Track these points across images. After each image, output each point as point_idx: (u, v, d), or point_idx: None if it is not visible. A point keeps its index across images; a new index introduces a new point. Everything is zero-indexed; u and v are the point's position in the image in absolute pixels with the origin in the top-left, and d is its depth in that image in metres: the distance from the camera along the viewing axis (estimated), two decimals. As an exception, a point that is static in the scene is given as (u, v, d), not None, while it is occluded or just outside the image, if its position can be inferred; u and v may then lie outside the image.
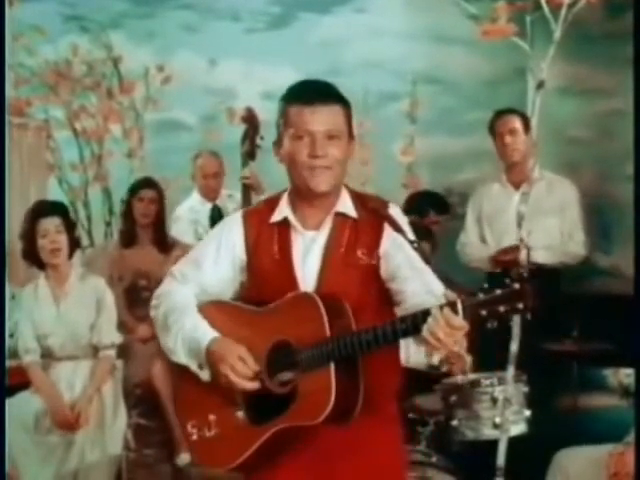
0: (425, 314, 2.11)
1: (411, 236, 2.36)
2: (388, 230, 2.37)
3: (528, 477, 3.66)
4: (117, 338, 4.36)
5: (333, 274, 2.37)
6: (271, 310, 2.38)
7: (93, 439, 4.15)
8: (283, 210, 2.45)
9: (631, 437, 3.21)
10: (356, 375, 2.27)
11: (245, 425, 2.38)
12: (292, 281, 2.39)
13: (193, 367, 2.42)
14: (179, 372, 2.48)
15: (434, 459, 3.81)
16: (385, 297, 2.40)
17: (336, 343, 2.23)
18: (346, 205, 2.43)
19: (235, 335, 2.39)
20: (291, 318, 2.32)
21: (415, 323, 2.13)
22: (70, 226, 4.32)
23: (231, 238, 2.49)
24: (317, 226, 2.43)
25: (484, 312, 2.06)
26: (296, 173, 2.38)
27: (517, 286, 2.05)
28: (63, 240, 4.25)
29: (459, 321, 2.06)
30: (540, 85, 3.90)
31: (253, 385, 2.34)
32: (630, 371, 4.46)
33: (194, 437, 2.47)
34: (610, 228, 5.60)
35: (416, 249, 2.28)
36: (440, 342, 2.08)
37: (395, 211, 2.43)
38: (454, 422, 3.96)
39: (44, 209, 4.31)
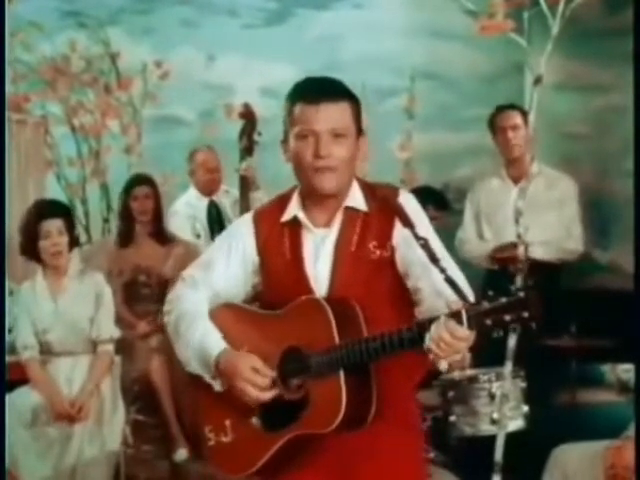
0: (431, 323, 2.07)
1: (422, 228, 2.28)
2: (399, 222, 2.31)
3: (526, 473, 3.66)
4: (115, 332, 4.35)
5: (345, 272, 2.32)
6: (281, 315, 2.34)
7: (91, 435, 4.15)
8: (293, 209, 2.39)
9: (630, 432, 3.21)
10: (368, 380, 2.23)
11: (260, 431, 2.35)
12: (304, 281, 2.34)
13: (207, 377, 2.39)
14: (195, 376, 2.44)
15: (432, 455, 3.81)
16: (403, 291, 2.34)
17: (344, 351, 2.19)
18: (356, 199, 2.37)
19: (246, 340, 2.36)
20: (300, 324, 2.28)
21: (421, 332, 2.09)
22: (71, 226, 4.31)
23: (242, 240, 2.44)
24: (327, 223, 2.37)
25: (489, 321, 2.02)
26: (301, 173, 2.33)
27: (522, 294, 2.02)
28: (64, 242, 4.23)
29: (463, 332, 2.03)
30: (538, 81, 3.89)
31: (270, 395, 2.31)
32: (628, 366, 4.48)
33: (211, 442, 2.44)
34: (609, 224, 5.60)
35: (423, 246, 2.20)
36: (444, 352, 2.06)
37: (406, 199, 2.36)
38: (452, 418, 3.97)
39: (47, 210, 4.26)
